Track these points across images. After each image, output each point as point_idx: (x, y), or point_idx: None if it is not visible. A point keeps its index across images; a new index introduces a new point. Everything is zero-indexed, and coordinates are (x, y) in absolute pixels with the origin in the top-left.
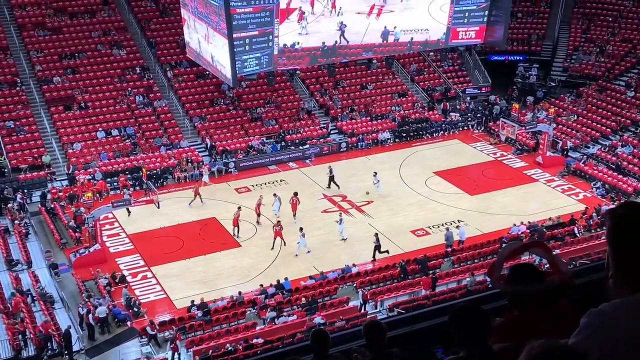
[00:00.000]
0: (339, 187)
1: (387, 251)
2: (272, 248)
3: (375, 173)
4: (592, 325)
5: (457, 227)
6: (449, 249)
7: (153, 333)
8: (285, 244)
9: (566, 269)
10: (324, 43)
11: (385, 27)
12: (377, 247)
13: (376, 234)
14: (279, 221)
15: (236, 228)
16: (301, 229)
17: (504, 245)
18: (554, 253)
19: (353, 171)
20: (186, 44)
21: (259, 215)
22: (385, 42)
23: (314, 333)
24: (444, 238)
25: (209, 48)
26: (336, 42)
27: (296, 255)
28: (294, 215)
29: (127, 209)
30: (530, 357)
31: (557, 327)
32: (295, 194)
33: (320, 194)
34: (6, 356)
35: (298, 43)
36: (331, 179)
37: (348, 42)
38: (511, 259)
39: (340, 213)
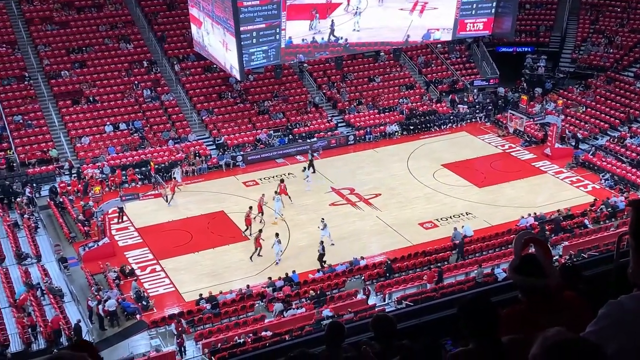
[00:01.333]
0: (314, 172)
1: (324, 262)
2: (260, 255)
3: (304, 168)
4: (611, 316)
5: (462, 226)
6: (457, 241)
7: (179, 331)
8: (259, 255)
9: (555, 278)
10: (346, 40)
11: (427, 30)
12: (321, 255)
13: (321, 242)
14: (260, 230)
15: (250, 227)
16: (277, 234)
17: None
18: (552, 257)
19: (361, 164)
20: (202, 47)
21: (261, 213)
22: (426, 41)
23: (330, 325)
24: (452, 237)
25: (227, 55)
26: (323, 38)
27: (276, 263)
28: (290, 198)
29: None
30: (543, 349)
31: (563, 319)
32: (282, 180)
33: (328, 187)
34: (17, 349)
35: (342, 37)
36: (310, 162)
37: (338, 39)
38: (523, 249)
39: (323, 219)
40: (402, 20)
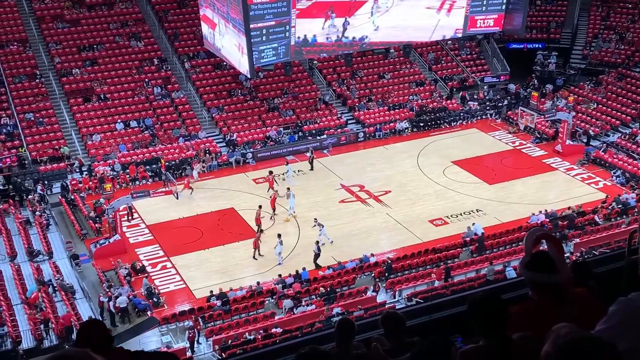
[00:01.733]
0: (312, 169)
1: (318, 265)
2: (261, 255)
3: (287, 162)
4: (620, 314)
5: (473, 224)
6: (468, 239)
7: (195, 330)
8: (260, 255)
9: (567, 275)
10: (363, 38)
11: (455, 31)
12: (317, 256)
13: (317, 242)
14: (262, 230)
15: (259, 226)
16: (279, 235)
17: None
18: (564, 253)
19: (370, 161)
20: (215, 49)
21: (274, 209)
22: (446, 40)
23: (340, 322)
24: (463, 235)
25: (242, 60)
26: (347, 37)
27: (279, 263)
28: (271, 190)
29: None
30: (556, 347)
31: (574, 316)
32: (270, 172)
33: (338, 184)
34: (29, 346)
35: (366, 37)
36: (310, 160)
37: (348, 38)
38: (535, 245)
39: (315, 219)
40: (429, 19)
